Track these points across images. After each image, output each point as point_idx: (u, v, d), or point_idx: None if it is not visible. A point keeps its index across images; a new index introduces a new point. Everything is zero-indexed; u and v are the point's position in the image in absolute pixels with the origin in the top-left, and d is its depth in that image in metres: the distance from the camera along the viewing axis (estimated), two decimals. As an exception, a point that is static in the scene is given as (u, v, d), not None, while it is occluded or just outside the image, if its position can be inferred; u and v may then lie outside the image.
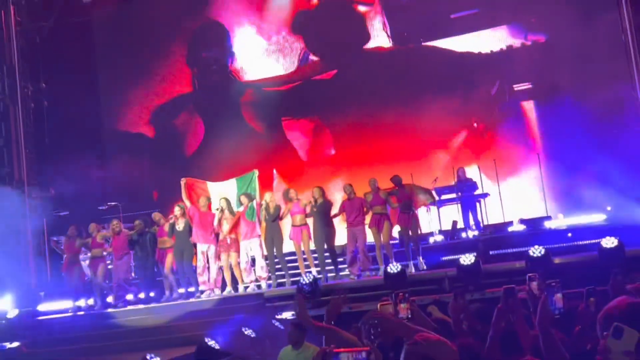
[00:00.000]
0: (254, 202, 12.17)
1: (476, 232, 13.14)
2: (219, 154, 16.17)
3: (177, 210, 12.28)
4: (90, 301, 12.75)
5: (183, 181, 12.75)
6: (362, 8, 16.74)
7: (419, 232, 12.16)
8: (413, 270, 11.55)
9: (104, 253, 12.69)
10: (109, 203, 15.35)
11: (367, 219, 12.01)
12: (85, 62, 17.81)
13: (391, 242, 12.20)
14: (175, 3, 17.58)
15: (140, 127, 17.82)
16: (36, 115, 16.53)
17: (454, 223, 13.53)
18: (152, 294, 12.57)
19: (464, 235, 13.24)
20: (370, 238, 12.04)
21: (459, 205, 13.75)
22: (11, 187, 15.78)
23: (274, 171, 16.38)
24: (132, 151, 17.68)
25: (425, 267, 11.70)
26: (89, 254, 12.82)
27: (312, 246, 12.20)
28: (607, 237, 9.75)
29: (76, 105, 16.86)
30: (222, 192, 12.65)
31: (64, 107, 16.73)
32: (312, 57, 17.04)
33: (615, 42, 14.09)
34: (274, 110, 16.98)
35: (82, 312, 12.39)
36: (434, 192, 12.92)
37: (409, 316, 4.17)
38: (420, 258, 11.79)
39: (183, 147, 17.71)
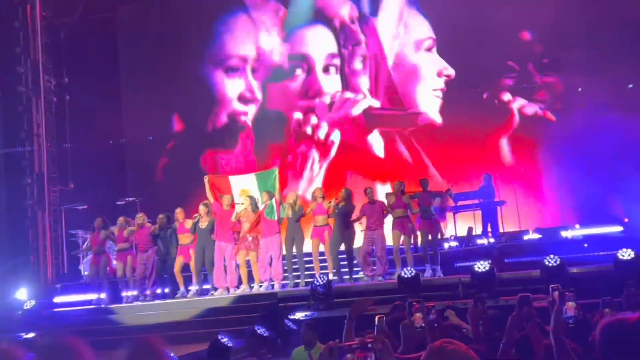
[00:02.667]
0: (273, 200, 12.21)
1: (492, 239, 13.12)
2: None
3: (201, 208, 12.33)
4: (103, 295, 12.87)
5: (206, 178, 12.87)
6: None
7: (439, 238, 12.16)
8: (429, 276, 11.54)
9: (129, 246, 12.79)
10: (127, 198, 15.50)
11: (387, 222, 12.02)
12: (107, 58, 17.96)
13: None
14: (202, 3, 17.70)
15: (161, 124, 17.90)
16: (58, 109, 16.71)
17: (470, 229, 13.51)
18: (166, 290, 12.67)
19: (479, 242, 13.23)
20: (389, 242, 12.03)
21: (478, 211, 13.78)
22: (31, 179, 15.97)
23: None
24: (153, 147, 17.81)
25: (441, 275, 11.66)
26: (116, 247, 12.92)
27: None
28: (624, 249, 9.71)
29: (97, 100, 17.03)
30: (242, 187, 12.72)
31: (86, 102, 16.89)
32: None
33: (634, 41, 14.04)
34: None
35: (100, 305, 12.50)
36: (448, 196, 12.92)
37: (423, 325, 4.19)
38: (438, 267, 11.75)
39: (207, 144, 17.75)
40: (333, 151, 16.80)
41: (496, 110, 15.75)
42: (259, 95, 17.44)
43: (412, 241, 12.08)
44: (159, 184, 17.21)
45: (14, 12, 16.41)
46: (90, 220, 13.44)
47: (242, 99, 17.51)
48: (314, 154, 16.88)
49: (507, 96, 15.71)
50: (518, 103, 15.64)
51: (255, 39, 17.53)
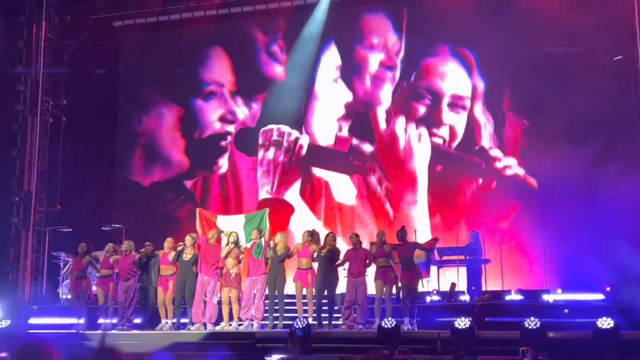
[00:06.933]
0: (262, 240, 12.19)
1: (474, 298, 13.13)
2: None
3: (188, 239, 12.30)
4: (81, 320, 12.73)
5: (197, 211, 12.88)
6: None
7: (417, 290, 12.14)
8: (408, 327, 11.49)
9: (112, 273, 12.69)
10: (113, 225, 15.46)
11: (370, 271, 12.00)
12: (107, 84, 18.09)
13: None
14: (205, 38, 17.97)
15: (154, 155, 17.98)
16: (53, 130, 16.75)
17: (453, 285, 13.51)
18: (142, 320, 12.53)
19: (461, 298, 13.23)
20: (371, 290, 11.99)
21: (461, 268, 13.81)
22: (18, 198, 15.92)
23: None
24: (144, 176, 17.83)
25: (416, 329, 11.61)
26: (97, 274, 12.82)
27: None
28: (603, 318, 9.74)
29: (93, 125, 17.12)
30: (230, 227, 12.65)
31: (81, 126, 16.96)
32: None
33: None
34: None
35: (76, 331, 12.36)
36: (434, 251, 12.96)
37: None
38: (414, 319, 11.72)
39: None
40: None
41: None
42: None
43: (394, 291, 12.04)
44: (146, 213, 17.18)
45: (20, 31, 16.57)
46: (73, 244, 13.34)
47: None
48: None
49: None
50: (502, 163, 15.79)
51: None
